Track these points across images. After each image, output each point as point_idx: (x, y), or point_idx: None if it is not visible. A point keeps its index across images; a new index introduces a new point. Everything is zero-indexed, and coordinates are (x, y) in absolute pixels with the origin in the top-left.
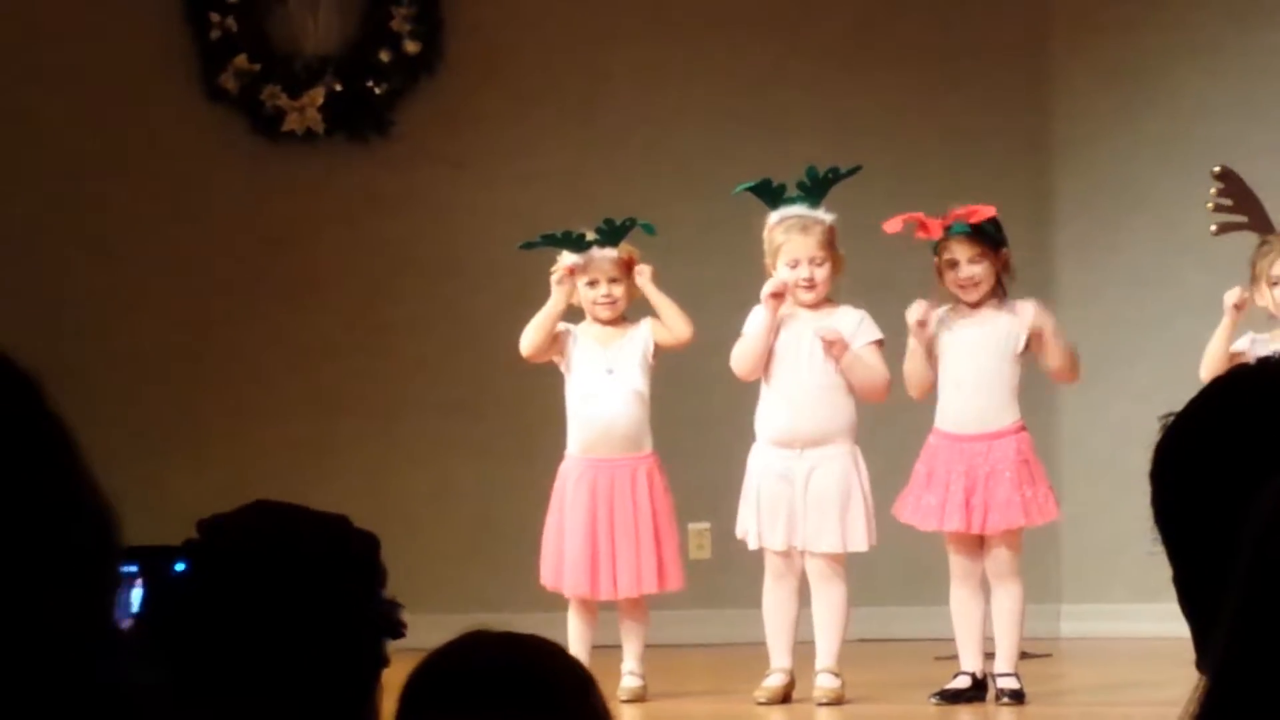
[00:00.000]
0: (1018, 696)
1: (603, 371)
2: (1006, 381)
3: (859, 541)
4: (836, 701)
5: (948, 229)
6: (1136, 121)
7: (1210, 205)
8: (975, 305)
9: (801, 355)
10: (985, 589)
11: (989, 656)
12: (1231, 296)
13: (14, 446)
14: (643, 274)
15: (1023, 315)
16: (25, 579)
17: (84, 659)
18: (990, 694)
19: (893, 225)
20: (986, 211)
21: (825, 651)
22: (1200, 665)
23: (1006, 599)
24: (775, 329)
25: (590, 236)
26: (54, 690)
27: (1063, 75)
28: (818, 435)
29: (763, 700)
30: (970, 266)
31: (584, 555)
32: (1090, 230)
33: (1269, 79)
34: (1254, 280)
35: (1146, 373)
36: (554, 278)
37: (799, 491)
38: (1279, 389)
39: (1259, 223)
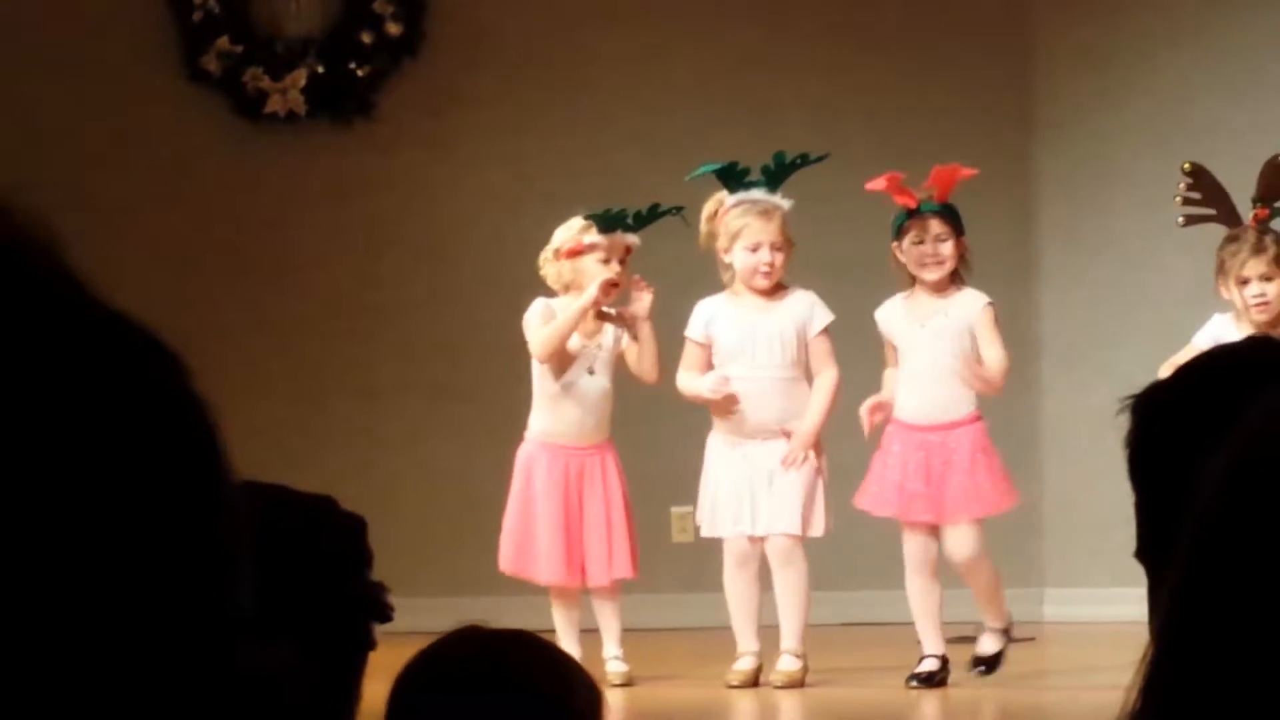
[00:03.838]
0: (993, 665)
1: (583, 369)
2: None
3: (818, 527)
4: (793, 685)
5: (919, 206)
6: (1119, 104)
7: (1178, 199)
8: (936, 288)
9: (759, 347)
10: (938, 574)
11: (952, 640)
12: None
13: (153, 428)
14: (643, 302)
15: (972, 307)
16: (162, 566)
17: (222, 649)
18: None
19: (876, 184)
20: (966, 172)
21: (788, 633)
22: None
23: (977, 575)
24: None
25: (627, 217)
26: (195, 682)
27: (1045, 57)
28: (779, 424)
29: (735, 684)
30: (935, 244)
31: (561, 542)
32: (1072, 213)
33: (1251, 61)
34: (1221, 274)
35: (1129, 356)
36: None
37: (760, 477)
38: (1256, 364)
39: (1226, 216)
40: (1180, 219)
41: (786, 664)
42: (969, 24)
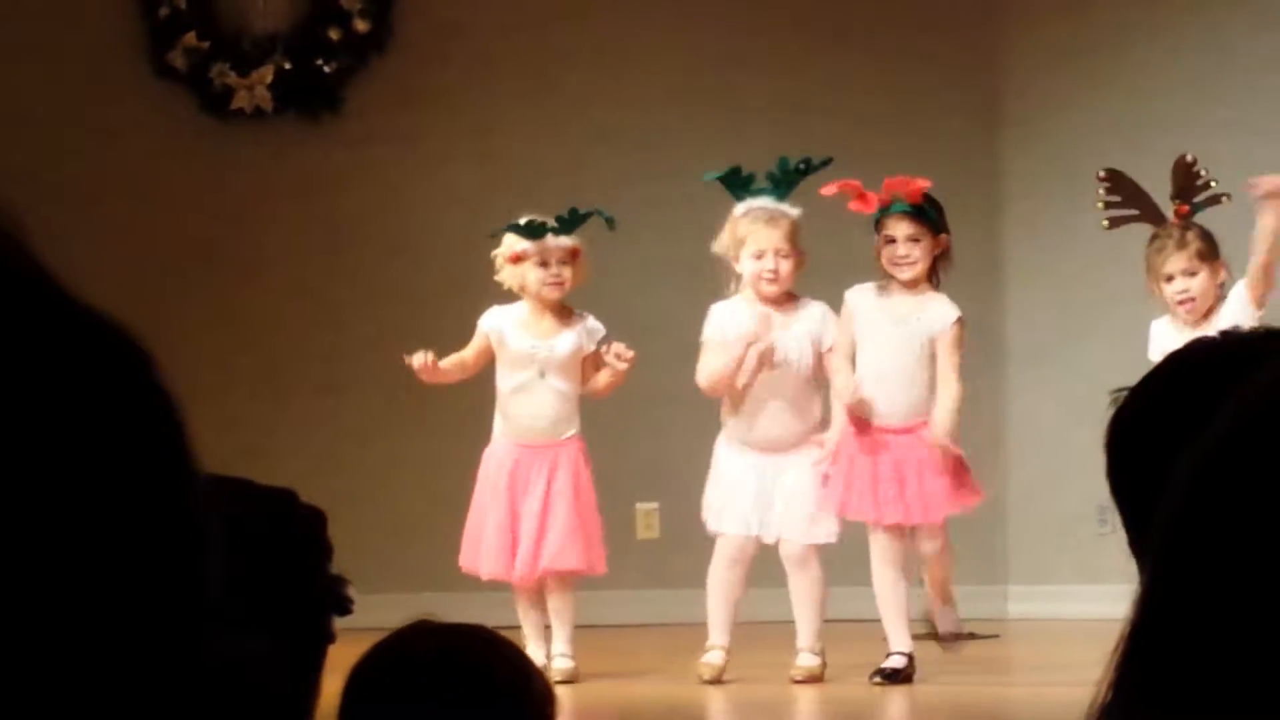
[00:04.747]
0: (897, 677)
1: (533, 371)
2: (926, 377)
3: (830, 533)
4: (810, 680)
5: (886, 206)
6: (1087, 100)
7: (1100, 205)
8: (909, 286)
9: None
10: (905, 570)
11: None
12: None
13: (118, 423)
14: (622, 360)
15: (939, 320)
16: (130, 556)
17: (192, 637)
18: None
19: (829, 189)
20: (921, 184)
21: (806, 632)
22: None
23: (940, 566)
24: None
25: (550, 224)
26: (166, 670)
27: (1014, 53)
28: (792, 437)
29: (709, 677)
30: (906, 245)
31: (498, 538)
32: (1039, 209)
33: (1221, 57)
34: (1149, 273)
35: (1095, 352)
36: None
37: (771, 481)
38: (1237, 360)
39: (1150, 215)
40: (1105, 222)
41: (806, 660)
42: (938, 20)
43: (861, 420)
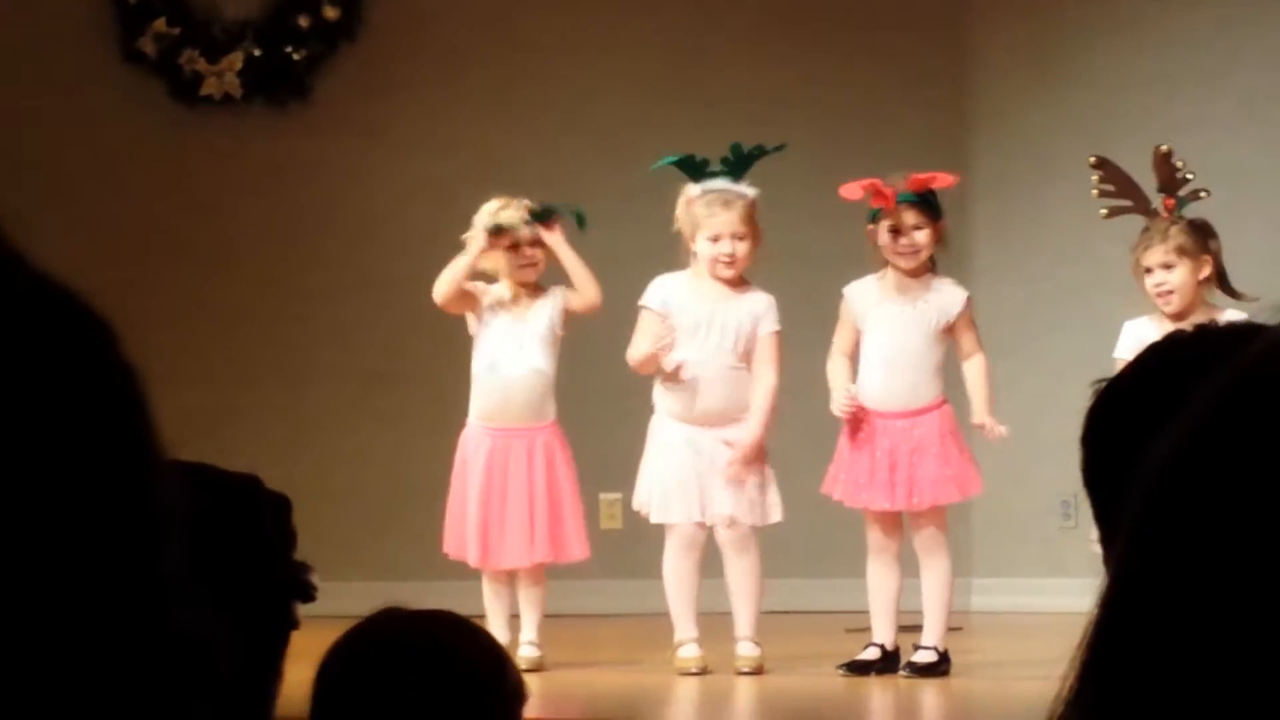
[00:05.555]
0: (928, 671)
1: (508, 345)
2: (932, 359)
3: (775, 514)
4: (757, 671)
5: (896, 197)
6: (1054, 96)
7: (1095, 193)
8: (912, 274)
9: (712, 335)
10: (899, 563)
11: (904, 629)
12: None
13: (80, 395)
14: (555, 233)
15: (953, 301)
16: (89, 527)
17: (152, 611)
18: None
19: (851, 191)
20: (945, 180)
21: (745, 621)
22: None
23: (935, 573)
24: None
25: (534, 208)
26: (125, 642)
27: (982, 49)
28: (727, 413)
29: (694, 670)
30: (915, 234)
31: (477, 524)
32: (1007, 204)
33: (1187, 54)
34: (1134, 266)
35: (1062, 347)
36: (474, 238)
37: (708, 465)
38: (1212, 353)
39: (1142, 206)
40: (1103, 211)
41: (748, 650)
42: (907, 15)
43: (859, 411)
